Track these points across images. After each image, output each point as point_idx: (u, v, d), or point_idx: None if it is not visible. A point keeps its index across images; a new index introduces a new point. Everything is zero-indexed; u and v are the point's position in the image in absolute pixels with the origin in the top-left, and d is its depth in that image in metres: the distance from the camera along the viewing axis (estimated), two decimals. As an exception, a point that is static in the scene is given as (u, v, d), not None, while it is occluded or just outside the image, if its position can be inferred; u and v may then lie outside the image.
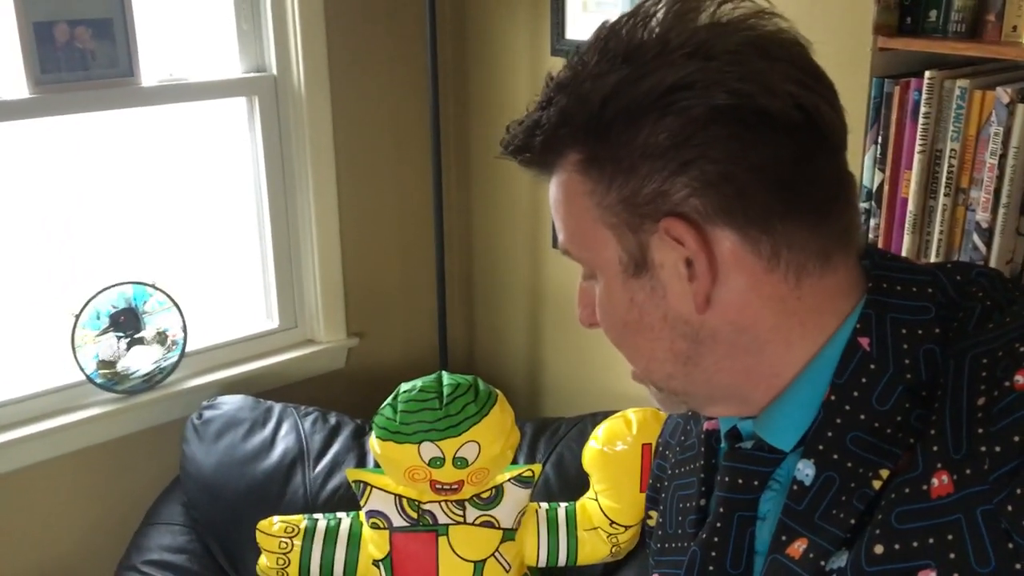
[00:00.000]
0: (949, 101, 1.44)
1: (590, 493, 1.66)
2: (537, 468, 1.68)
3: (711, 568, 0.79)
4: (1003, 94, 1.39)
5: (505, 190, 2.34)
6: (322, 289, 2.28)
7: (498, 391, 1.61)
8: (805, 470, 0.72)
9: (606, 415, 1.72)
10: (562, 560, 1.65)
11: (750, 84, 0.68)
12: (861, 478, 0.69)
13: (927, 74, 1.44)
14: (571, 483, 1.83)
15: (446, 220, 2.30)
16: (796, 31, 0.73)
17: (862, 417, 0.70)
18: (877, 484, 0.68)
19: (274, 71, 2.13)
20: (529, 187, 2.25)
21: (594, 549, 1.64)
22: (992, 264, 1.46)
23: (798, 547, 0.71)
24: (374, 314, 2.40)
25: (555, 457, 1.94)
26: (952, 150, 1.45)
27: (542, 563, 1.66)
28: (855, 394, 0.71)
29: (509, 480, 1.64)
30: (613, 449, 1.60)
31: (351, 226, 2.30)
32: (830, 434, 0.71)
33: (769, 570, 0.73)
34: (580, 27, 2.05)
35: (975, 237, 1.46)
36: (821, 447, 0.72)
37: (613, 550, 1.64)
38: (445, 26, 2.31)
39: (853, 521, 0.69)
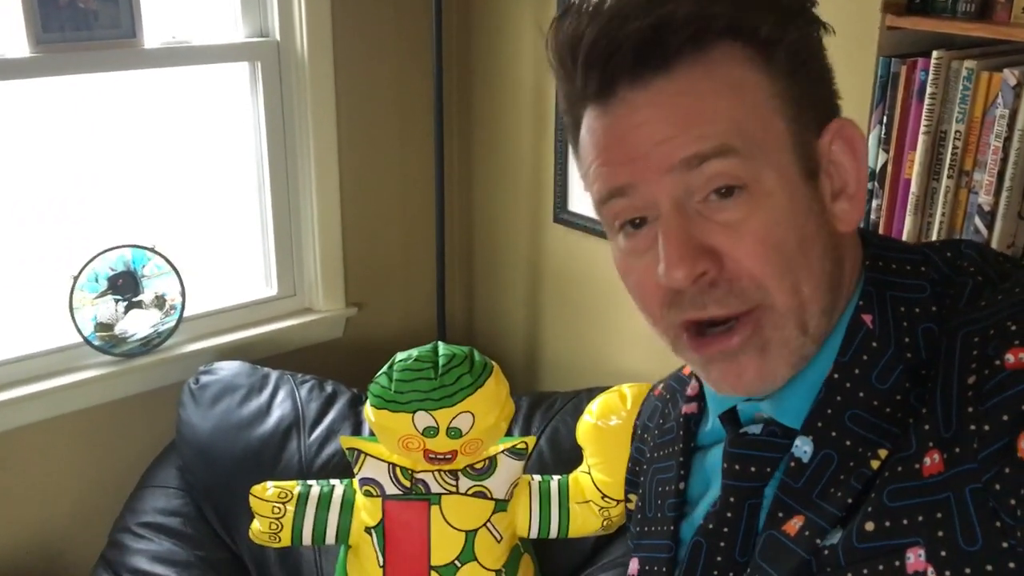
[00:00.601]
0: (956, 82, 1.43)
1: (583, 466, 1.67)
2: (531, 440, 1.68)
3: (719, 559, 0.77)
4: (1010, 76, 1.38)
5: (507, 163, 2.33)
6: (322, 258, 2.28)
7: (494, 362, 1.61)
8: (803, 447, 0.71)
9: (602, 391, 1.72)
10: (553, 532, 1.66)
11: None
12: (859, 457, 0.69)
13: (934, 54, 1.43)
14: (565, 457, 1.84)
15: (447, 192, 2.30)
16: None
17: (861, 395, 0.70)
18: (875, 464, 0.68)
19: (277, 37, 2.12)
20: (531, 159, 2.24)
21: (586, 522, 1.65)
22: (993, 248, 1.46)
23: (795, 524, 0.70)
24: (373, 284, 2.40)
25: (550, 431, 1.94)
26: (957, 132, 1.43)
27: (533, 534, 1.66)
28: (856, 372, 0.71)
29: (503, 451, 1.64)
30: (607, 423, 1.60)
31: (352, 195, 2.29)
32: (829, 411, 0.71)
33: (764, 546, 0.73)
34: (587, 0, 2.03)
35: (977, 220, 1.46)
36: (820, 424, 0.71)
37: (604, 523, 1.65)
38: (450, -4, 2.30)
39: (850, 500, 0.68)
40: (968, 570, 0.62)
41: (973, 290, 0.70)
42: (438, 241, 2.26)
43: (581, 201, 2.15)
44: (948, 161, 1.45)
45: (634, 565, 0.86)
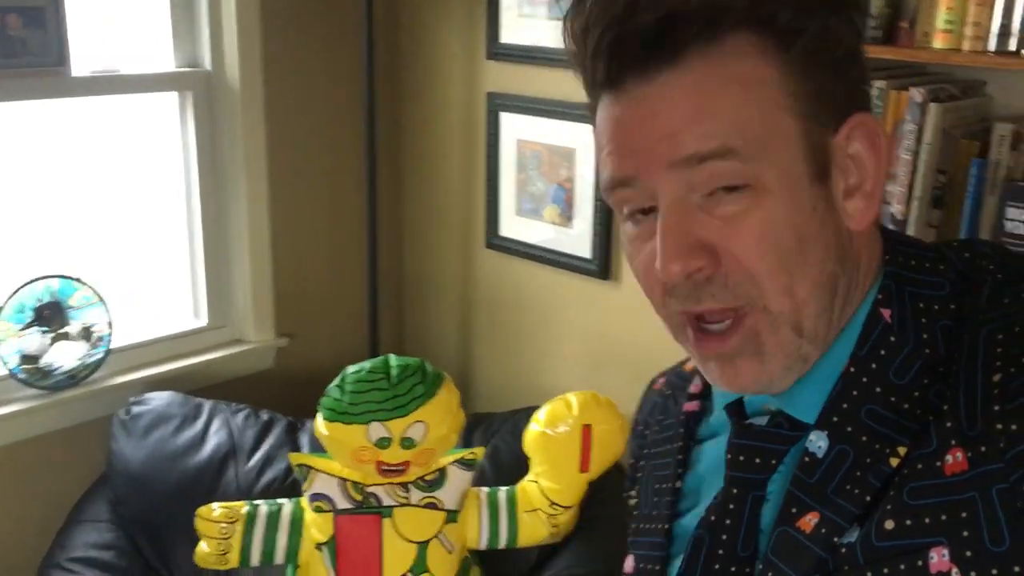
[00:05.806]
0: (868, 100, 1.55)
1: (530, 476, 1.70)
2: (480, 451, 1.71)
3: (720, 552, 0.74)
4: (916, 94, 1.51)
5: (438, 191, 2.38)
6: (252, 289, 2.28)
7: (445, 373, 1.64)
8: (818, 442, 0.70)
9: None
10: (503, 541, 1.68)
11: None
12: (877, 454, 0.67)
13: (848, 75, 1.54)
14: (507, 474, 1.86)
15: (378, 220, 2.33)
16: None
17: (878, 390, 0.69)
18: (894, 461, 0.66)
19: (208, 67, 2.13)
20: (462, 187, 2.30)
21: (534, 530, 1.68)
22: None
23: (809, 520, 0.69)
24: (304, 315, 2.40)
25: (490, 449, 1.96)
26: (871, 146, 1.55)
27: (483, 544, 1.68)
28: (873, 366, 0.70)
29: (453, 463, 1.67)
30: (555, 430, 1.64)
31: (283, 226, 2.30)
32: (845, 406, 0.70)
33: (777, 543, 0.70)
34: (515, 32, 2.12)
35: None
36: (836, 419, 0.70)
37: (552, 531, 1.68)
38: (380, 27, 2.35)
39: (868, 497, 0.67)
40: (994, 571, 0.61)
41: (994, 288, 0.69)
42: (370, 269, 2.28)
43: (512, 226, 2.22)
44: (864, 173, 1.57)
45: (629, 563, 0.84)
